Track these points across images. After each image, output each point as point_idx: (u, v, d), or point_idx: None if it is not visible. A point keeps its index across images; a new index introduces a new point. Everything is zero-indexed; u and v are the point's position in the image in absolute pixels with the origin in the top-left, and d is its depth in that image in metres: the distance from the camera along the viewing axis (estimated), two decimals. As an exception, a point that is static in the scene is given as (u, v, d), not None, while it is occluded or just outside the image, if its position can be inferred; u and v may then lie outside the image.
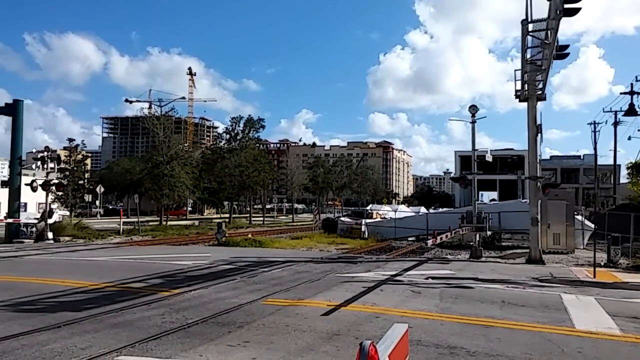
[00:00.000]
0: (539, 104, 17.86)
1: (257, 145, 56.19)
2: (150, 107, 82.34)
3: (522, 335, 7.22)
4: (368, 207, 50.54)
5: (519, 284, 12.12)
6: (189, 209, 73.94)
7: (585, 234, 24.50)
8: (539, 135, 17.78)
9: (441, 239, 18.17)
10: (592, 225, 24.83)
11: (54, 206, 33.19)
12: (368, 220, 35.84)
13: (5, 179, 24.97)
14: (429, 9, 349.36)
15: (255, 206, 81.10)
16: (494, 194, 77.98)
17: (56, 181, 28.55)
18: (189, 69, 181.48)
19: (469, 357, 6.16)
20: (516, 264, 17.47)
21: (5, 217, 25.71)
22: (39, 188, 25.30)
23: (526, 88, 17.62)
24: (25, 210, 35.36)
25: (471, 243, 20.72)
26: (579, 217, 24.57)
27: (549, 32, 15.02)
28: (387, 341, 2.96)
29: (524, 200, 29.46)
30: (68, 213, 46.44)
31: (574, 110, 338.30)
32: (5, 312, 8.46)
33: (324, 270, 14.34)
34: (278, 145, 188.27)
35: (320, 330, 7.33)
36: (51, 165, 26.16)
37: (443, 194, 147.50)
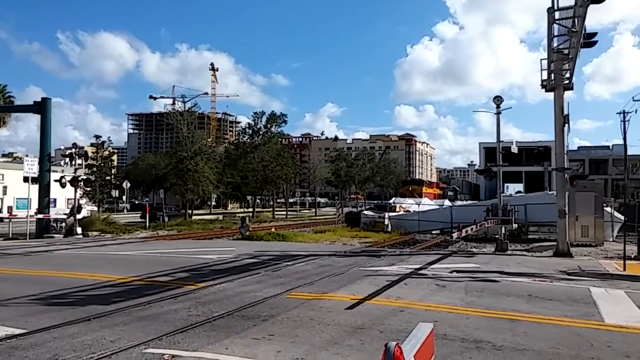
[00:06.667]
0: (567, 94, 17.47)
1: (280, 140, 56.34)
2: (174, 104, 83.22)
3: (549, 330, 7.11)
4: (391, 200, 50.22)
5: (546, 278, 11.93)
6: (213, 203, 74.70)
7: (615, 225, 23.95)
8: (566, 125, 17.41)
9: (467, 231, 18.01)
10: (622, 217, 24.25)
11: (82, 202, 33.86)
12: (391, 214, 35.67)
13: (35, 175, 25.49)
14: (461, 0, 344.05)
15: (279, 200, 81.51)
16: (520, 186, 76.82)
17: (84, 177, 29.04)
18: (211, 64, 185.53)
19: (495, 352, 6.10)
20: (543, 257, 17.18)
21: (36, 213, 26.41)
22: (68, 184, 25.80)
23: (552, 77, 17.27)
24: (55, 206, 36.19)
25: (497, 236, 20.45)
26: (608, 209, 24.01)
27: (576, 19, 14.66)
28: (412, 341, 2.94)
29: (550, 192, 28.93)
30: (96, 208, 47.41)
31: (606, 99, 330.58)
32: (37, 305, 8.70)
33: (348, 264, 14.35)
34: (300, 139, 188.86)
35: (345, 324, 7.34)
36: (79, 161, 26.61)
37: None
